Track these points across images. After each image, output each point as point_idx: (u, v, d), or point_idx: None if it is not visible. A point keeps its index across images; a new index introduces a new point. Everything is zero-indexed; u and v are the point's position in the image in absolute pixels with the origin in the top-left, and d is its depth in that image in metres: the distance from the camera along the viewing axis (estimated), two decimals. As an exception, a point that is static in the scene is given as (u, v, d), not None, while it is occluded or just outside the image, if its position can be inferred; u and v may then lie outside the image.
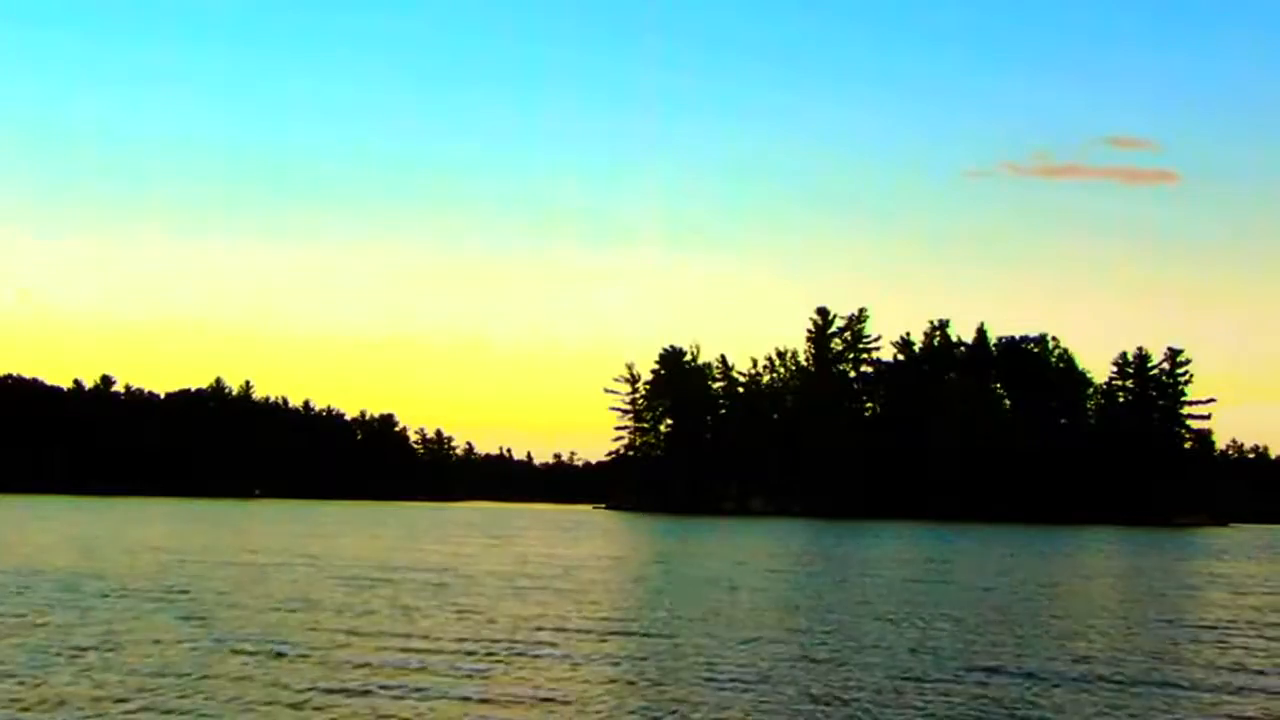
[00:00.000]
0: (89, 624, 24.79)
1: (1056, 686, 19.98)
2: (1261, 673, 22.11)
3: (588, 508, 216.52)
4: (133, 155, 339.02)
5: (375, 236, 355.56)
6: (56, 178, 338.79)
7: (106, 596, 30.51)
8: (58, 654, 20.79)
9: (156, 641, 22.52)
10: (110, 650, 21.33)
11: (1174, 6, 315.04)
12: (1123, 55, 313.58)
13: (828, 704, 18.03)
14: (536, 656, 21.86)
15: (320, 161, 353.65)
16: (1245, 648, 25.69)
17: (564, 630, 25.70)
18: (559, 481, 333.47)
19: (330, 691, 18.04)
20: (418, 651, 22.01)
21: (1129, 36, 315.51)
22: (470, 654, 21.94)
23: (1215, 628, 29.55)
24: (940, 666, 21.68)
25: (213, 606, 28.70)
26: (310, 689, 18.14)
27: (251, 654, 21.32)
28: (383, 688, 18.40)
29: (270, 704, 17.04)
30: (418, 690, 18.29)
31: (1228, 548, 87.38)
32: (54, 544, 53.69)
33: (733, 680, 19.84)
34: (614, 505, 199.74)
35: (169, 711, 16.45)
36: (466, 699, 17.77)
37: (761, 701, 18.08)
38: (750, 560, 54.95)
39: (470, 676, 19.67)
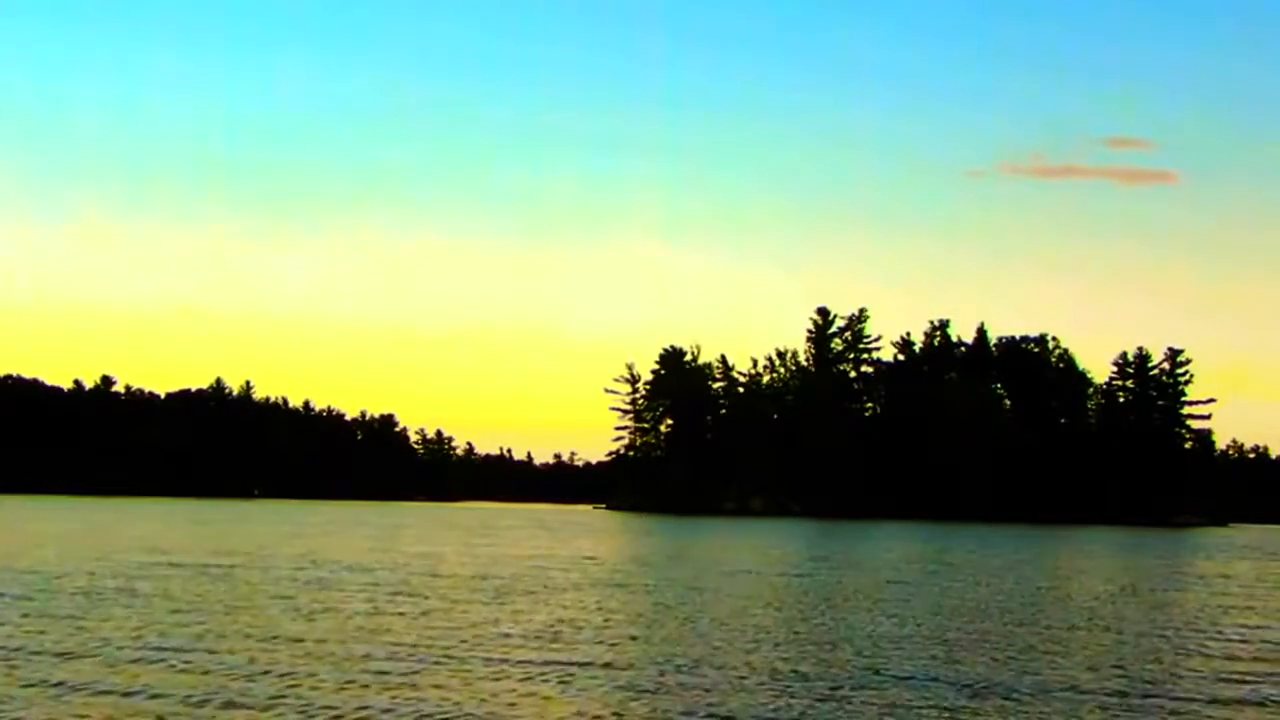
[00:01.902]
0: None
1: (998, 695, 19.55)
2: (1203, 677, 21.68)
3: (588, 508, 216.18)
4: (133, 154, 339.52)
5: (376, 235, 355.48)
6: (56, 177, 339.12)
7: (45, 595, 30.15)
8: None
9: (56, 651, 22.10)
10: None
11: (1172, 6, 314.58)
12: (1121, 55, 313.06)
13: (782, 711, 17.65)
14: (469, 663, 21.36)
15: (320, 160, 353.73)
16: (1204, 652, 25.26)
17: (508, 634, 25.16)
18: (559, 481, 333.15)
19: (230, 705, 17.61)
20: (337, 657, 21.53)
21: (1127, 36, 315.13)
22: (397, 659, 21.44)
23: (1184, 631, 29.07)
24: (896, 674, 21.24)
25: (150, 608, 28.27)
26: (200, 696, 17.76)
27: (155, 661, 20.92)
28: (286, 695, 17.97)
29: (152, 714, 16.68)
30: (325, 699, 17.86)
31: (1224, 548, 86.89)
32: (24, 544, 53.29)
33: (659, 693, 19.34)
34: (614, 505, 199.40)
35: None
36: (372, 709, 17.33)
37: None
38: (733, 560, 54.34)
39: (387, 684, 19.16)
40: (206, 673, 19.56)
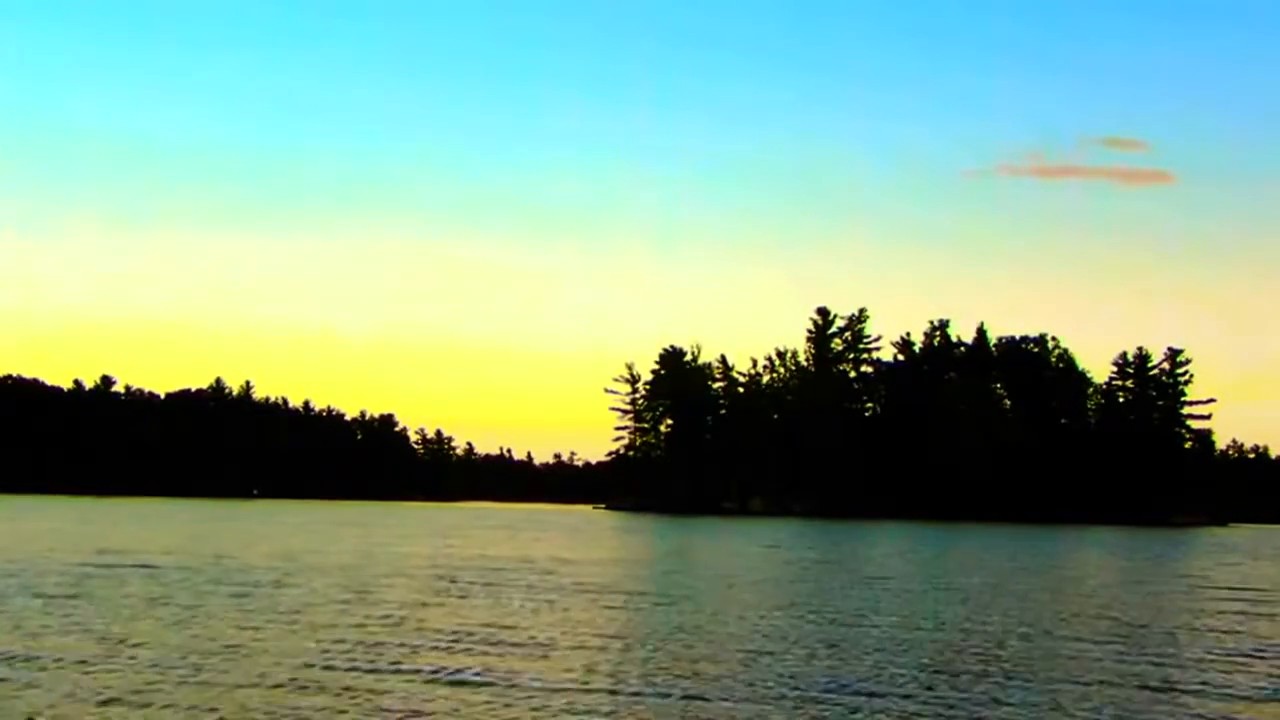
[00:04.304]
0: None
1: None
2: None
3: (588, 508, 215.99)
4: (133, 155, 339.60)
5: (375, 236, 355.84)
6: (57, 178, 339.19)
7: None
8: None
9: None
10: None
11: (1170, 6, 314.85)
12: (1118, 56, 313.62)
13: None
14: (380, 670, 20.74)
15: (320, 161, 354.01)
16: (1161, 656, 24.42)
17: (427, 639, 24.43)
18: (559, 481, 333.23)
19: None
20: (238, 661, 20.98)
21: (1124, 37, 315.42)
22: (307, 663, 20.75)
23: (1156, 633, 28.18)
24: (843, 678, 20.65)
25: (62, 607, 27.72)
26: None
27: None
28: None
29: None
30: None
31: (1220, 548, 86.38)
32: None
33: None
34: (614, 505, 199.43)
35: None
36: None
37: None
38: (713, 561, 53.57)
39: (284, 688, 18.58)
40: (89, 674, 19.01)
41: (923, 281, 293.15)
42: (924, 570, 51.61)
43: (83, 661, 20.54)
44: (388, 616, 28.02)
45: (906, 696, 19.16)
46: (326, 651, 22.17)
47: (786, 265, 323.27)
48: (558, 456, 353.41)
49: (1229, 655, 25.08)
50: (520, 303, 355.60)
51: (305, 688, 18.69)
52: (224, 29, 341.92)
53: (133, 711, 16.76)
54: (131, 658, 21.08)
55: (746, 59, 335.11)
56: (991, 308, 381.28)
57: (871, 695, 19.19)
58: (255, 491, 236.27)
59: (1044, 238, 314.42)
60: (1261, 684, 21.43)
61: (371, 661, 21.18)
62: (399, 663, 21.11)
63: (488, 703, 17.91)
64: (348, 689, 18.65)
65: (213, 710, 16.94)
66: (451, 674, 20.18)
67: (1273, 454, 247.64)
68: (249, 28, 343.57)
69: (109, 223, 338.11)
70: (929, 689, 19.86)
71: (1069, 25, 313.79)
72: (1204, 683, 21.37)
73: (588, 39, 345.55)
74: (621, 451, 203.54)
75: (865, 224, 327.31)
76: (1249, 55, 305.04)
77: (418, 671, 20.31)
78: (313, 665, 20.68)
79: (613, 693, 18.90)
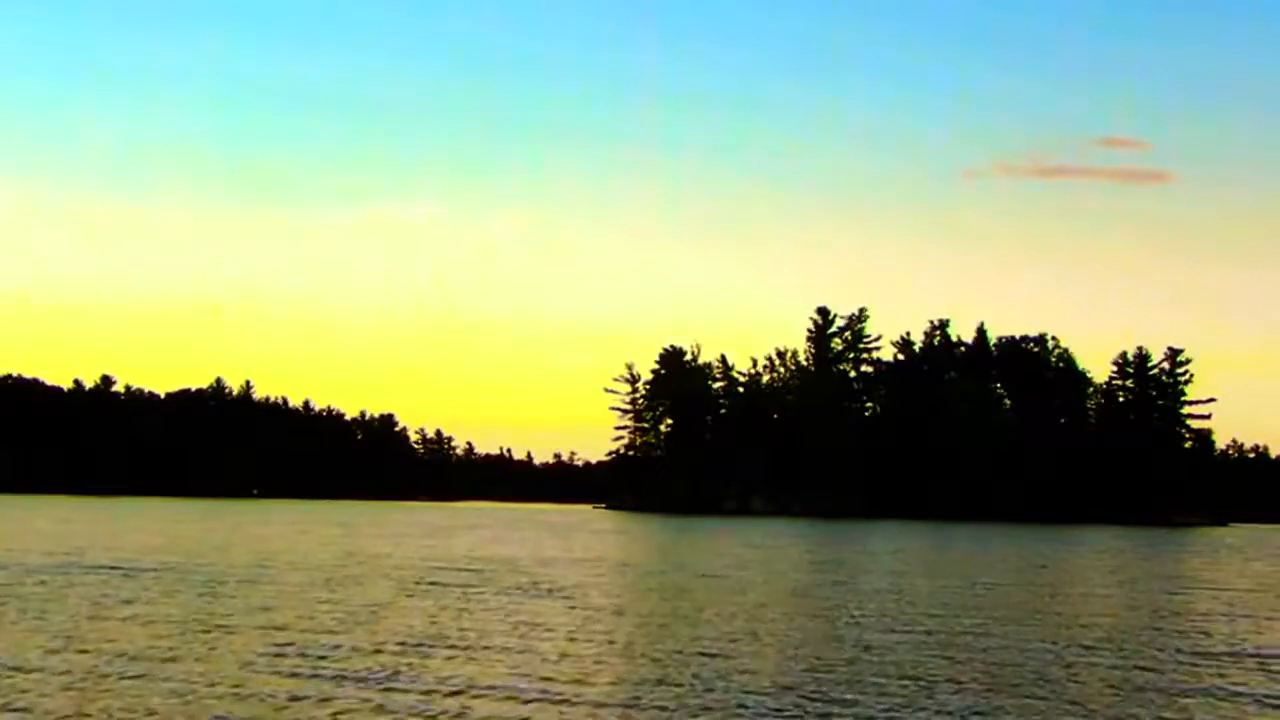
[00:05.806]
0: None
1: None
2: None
3: (588, 507, 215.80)
4: (133, 154, 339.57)
5: (375, 236, 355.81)
6: (56, 177, 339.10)
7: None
8: None
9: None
10: None
11: (1167, 6, 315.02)
12: (1117, 56, 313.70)
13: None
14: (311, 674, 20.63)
15: (320, 158, 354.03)
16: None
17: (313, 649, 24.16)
18: (559, 481, 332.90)
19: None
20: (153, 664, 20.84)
21: (1123, 37, 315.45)
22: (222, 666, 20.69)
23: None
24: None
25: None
26: None
27: None
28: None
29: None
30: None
31: (1218, 547, 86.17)
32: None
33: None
34: (614, 505, 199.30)
35: None
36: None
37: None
38: (701, 562, 53.19)
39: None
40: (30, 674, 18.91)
41: (923, 281, 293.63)
42: (915, 571, 51.42)
43: (24, 665, 20.38)
44: (347, 618, 27.86)
45: (878, 700, 18.94)
46: (274, 653, 22.00)
47: (786, 265, 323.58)
48: (558, 456, 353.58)
49: (1225, 656, 25.02)
50: (520, 303, 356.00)
51: (241, 691, 18.51)
52: (222, 19, 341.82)
53: (66, 714, 16.62)
54: (75, 658, 20.94)
55: (747, 57, 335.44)
56: (991, 308, 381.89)
57: (847, 701, 18.96)
58: (255, 491, 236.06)
59: (1044, 238, 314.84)
60: (1260, 685, 21.39)
61: (316, 665, 20.98)
62: (343, 668, 20.89)
63: (427, 706, 17.78)
64: (289, 693, 18.46)
65: (151, 713, 16.80)
66: (394, 677, 20.00)
67: (1273, 454, 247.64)
68: (248, 17, 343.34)
69: (109, 221, 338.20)
70: (910, 693, 19.61)
71: (1069, 25, 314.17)
72: (1202, 684, 21.28)
73: (592, 32, 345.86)
74: (621, 451, 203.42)
75: (865, 224, 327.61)
76: (1249, 55, 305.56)
77: (366, 679, 20.04)
78: (258, 667, 20.53)
79: (558, 697, 18.74)
